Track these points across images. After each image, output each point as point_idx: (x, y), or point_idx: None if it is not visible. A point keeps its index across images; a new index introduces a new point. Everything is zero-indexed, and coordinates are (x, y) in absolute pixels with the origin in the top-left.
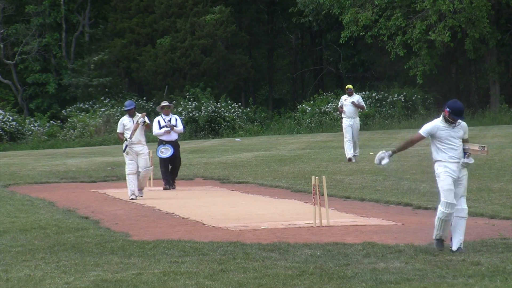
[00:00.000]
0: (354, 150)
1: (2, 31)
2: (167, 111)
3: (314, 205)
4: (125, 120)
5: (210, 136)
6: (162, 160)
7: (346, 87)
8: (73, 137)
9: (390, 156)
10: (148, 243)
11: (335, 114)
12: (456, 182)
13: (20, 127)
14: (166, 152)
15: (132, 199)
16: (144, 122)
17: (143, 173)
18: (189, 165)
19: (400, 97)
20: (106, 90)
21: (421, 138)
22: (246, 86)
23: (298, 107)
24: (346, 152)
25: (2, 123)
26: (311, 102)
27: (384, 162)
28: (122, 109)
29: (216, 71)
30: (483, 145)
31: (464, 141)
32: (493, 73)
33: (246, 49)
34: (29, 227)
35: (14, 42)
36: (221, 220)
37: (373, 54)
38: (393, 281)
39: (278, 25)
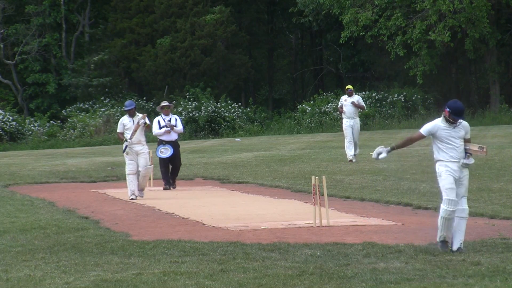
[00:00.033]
0: (355, 150)
1: (2, 31)
2: (167, 111)
3: (314, 205)
4: (125, 120)
5: (210, 136)
6: (162, 160)
7: (346, 87)
8: (73, 137)
9: (388, 151)
10: (148, 243)
11: (335, 114)
12: (457, 182)
13: (20, 127)
14: (166, 152)
15: (132, 199)
16: (145, 123)
17: (143, 172)
18: (189, 165)
19: (400, 97)
20: (106, 90)
21: (421, 137)
22: (246, 86)
23: (298, 107)
24: (347, 153)
25: (2, 123)
26: (311, 102)
27: (381, 156)
28: (122, 109)
29: (216, 71)
30: (482, 146)
31: (466, 141)
32: (493, 73)
33: (246, 49)
34: (29, 227)
35: (14, 42)
36: (221, 220)
37: (373, 54)
38: (393, 281)
39: (278, 25)
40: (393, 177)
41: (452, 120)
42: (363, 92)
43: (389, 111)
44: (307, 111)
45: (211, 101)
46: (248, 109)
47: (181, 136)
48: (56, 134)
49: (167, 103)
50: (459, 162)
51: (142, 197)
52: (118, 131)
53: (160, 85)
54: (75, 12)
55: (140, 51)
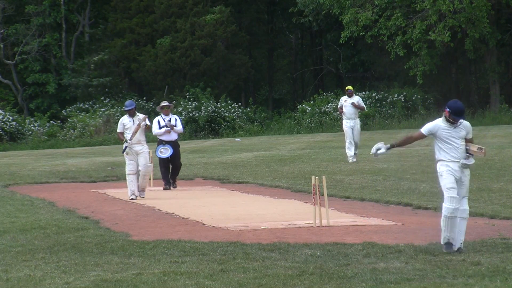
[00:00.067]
0: (355, 150)
1: (2, 31)
2: (167, 111)
3: (314, 205)
4: (125, 120)
5: (210, 136)
6: (162, 160)
7: (346, 88)
8: (73, 137)
9: (388, 148)
10: (148, 243)
11: (335, 114)
12: (458, 182)
13: (20, 127)
14: (166, 152)
15: (132, 199)
16: (146, 124)
17: (143, 171)
18: (189, 165)
19: (400, 97)
20: (106, 90)
21: (421, 136)
22: (246, 86)
23: (298, 107)
24: (347, 154)
25: (2, 123)
26: (311, 102)
27: (380, 151)
28: (122, 109)
29: (216, 71)
30: (481, 147)
31: (468, 141)
32: (493, 73)
33: (246, 49)
34: (29, 227)
35: (14, 42)
36: (221, 220)
37: (373, 54)
38: (393, 281)
39: (278, 25)
40: (393, 177)
41: (452, 120)
42: (363, 92)
43: (389, 111)
44: (307, 111)
45: (211, 101)
46: (248, 109)
47: (181, 136)
48: (56, 134)
49: (167, 103)
50: (460, 162)
51: (143, 197)
52: (118, 131)
53: (160, 85)
54: (75, 12)
55: (140, 51)
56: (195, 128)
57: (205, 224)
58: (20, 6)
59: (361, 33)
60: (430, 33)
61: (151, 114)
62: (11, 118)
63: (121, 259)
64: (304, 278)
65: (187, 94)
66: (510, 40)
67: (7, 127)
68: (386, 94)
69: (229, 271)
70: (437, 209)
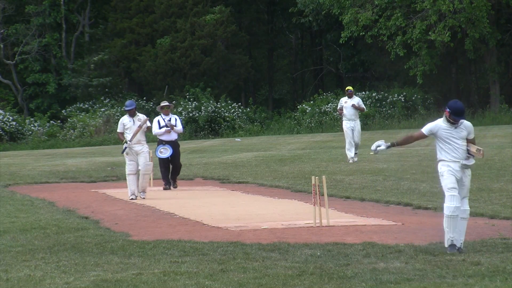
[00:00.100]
0: (355, 150)
1: (2, 31)
2: (167, 111)
3: (314, 205)
4: (125, 120)
5: (210, 136)
6: (162, 160)
7: (346, 88)
8: (73, 137)
9: (388, 146)
10: (148, 243)
11: (335, 114)
12: (459, 182)
13: (20, 127)
14: (166, 152)
15: (132, 199)
16: (147, 126)
17: (143, 169)
18: (189, 165)
19: (400, 97)
20: (106, 90)
21: (422, 135)
22: (246, 86)
23: (298, 107)
24: (347, 155)
25: (2, 123)
26: (311, 102)
27: (380, 148)
28: (123, 108)
29: (216, 71)
30: (479, 148)
31: (470, 141)
32: (493, 73)
33: (246, 49)
34: (29, 227)
35: (14, 42)
36: (221, 220)
37: (373, 54)
38: (393, 281)
39: (278, 25)
40: (393, 177)
41: (452, 121)
42: (363, 92)
43: (389, 111)
44: (307, 111)
45: (211, 101)
46: (248, 109)
47: (181, 136)
48: (56, 134)
49: (167, 103)
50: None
51: (143, 198)
52: (118, 131)
53: (160, 85)
54: (75, 12)
55: (140, 51)
56: (195, 128)
57: (205, 224)
58: (20, 6)
59: (361, 33)
60: (430, 33)
61: (151, 114)
62: (11, 118)
63: (121, 259)
64: (304, 278)
65: (187, 94)
66: (510, 40)
67: (7, 127)
68: (386, 94)
69: (229, 271)
70: (437, 209)
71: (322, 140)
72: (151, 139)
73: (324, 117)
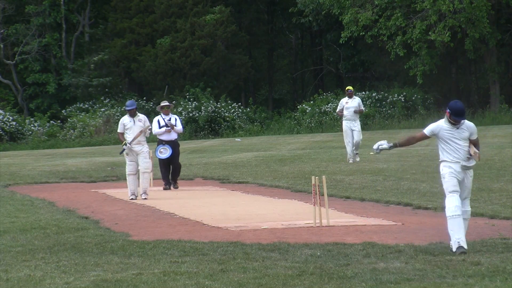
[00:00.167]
0: (355, 149)
1: (2, 31)
2: (167, 111)
3: (314, 205)
4: (126, 120)
5: (210, 136)
6: (162, 160)
7: (346, 88)
8: (73, 137)
9: (390, 147)
10: (148, 243)
11: (335, 114)
12: (460, 184)
13: (20, 127)
14: (165, 152)
15: (132, 199)
16: (149, 129)
17: (142, 168)
18: (189, 165)
19: (400, 97)
20: (106, 90)
21: (424, 136)
22: (246, 86)
23: (298, 107)
24: (348, 155)
25: (2, 123)
26: (311, 102)
27: (382, 147)
28: (123, 108)
29: (216, 71)
30: (476, 151)
31: (472, 142)
32: (493, 73)
33: (246, 49)
34: (29, 227)
35: (14, 42)
36: (221, 220)
37: (373, 54)
38: (393, 281)
39: (278, 25)
40: (393, 177)
41: (453, 121)
42: (363, 92)
43: (389, 111)
44: (307, 111)
45: (211, 101)
46: (248, 109)
47: (181, 136)
48: (56, 134)
49: (167, 103)
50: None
51: (145, 198)
52: (118, 131)
53: (160, 85)
54: (75, 12)
55: (140, 51)
56: (195, 128)
57: (205, 224)
58: (20, 6)
59: (361, 33)
60: (430, 33)
61: (151, 114)
62: (11, 118)
63: (121, 259)
64: (304, 278)
65: (187, 94)
66: (510, 40)
67: (7, 127)
68: (386, 94)
69: (229, 271)
70: (437, 209)
71: (322, 140)
72: (151, 139)
73: (324, 117)
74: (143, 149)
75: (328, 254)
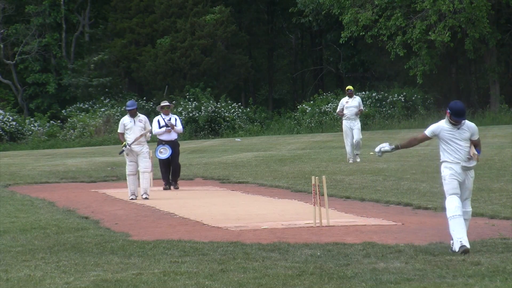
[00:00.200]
0: (357, 150)
1: (2, 31)
2: (167, 111)
3: (314, 205)
4: (126, 120)
5: (210, 136)
6: (162, 160)
7: (347, 88)
8: (73, 137)
9: (393, 149)
10: (148, 243)
11: (335, 114)
12: (461, 185)
13: (20, 127)
14: (165, 152)
15: (132, 199)
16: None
17: (142, 168)
18: (189, 165)
19: (400, 97)
20: (106, 90)
21: (425, 137)
22: (246, 86)
23: (298, 107)
24: (348, 155)
25: (2, 123)
26: (311, 102)
27: (384, 149)
28: (123, 108)
29: (216, 71)
30: (475, 153)
31: (474, 142)
32: (493, 73)
33: (246, 49)
34: (29, 227)
35: (14, 42)
36: (221, 220)
37: (373, 54)
38: (393, 281)
39: (278, 25)
40: (393, 177)
41: (453, 122)
42: (363, 92)
43: (389, 111)
44: (307, 111)
45: (211, 101)
46: (248, 109)
47: (181, 136)
48: (56, 134)
49: (167, 103)
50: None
51: (147, 198)
52: (118, 131)
53: (160, 85)
54: (75, 12)
55: (140, 51)
56: (195, 128)
57: (205, 224)
58: (20, 6)
59: (361, 33)
60: (430, 33)
61: (151, 114)
62: (11, 118)
63: (121, 259)
64: (304, 278)
65: (187, 94)
66: (510, 40)
67: (7, 127)
68: (386, 94)
69: (229, 271)
70: (437, 209)
71: (322, 140)
72: (151, 139)
73: (324, 117)
74: (143, 149)
75: (328, 254)
